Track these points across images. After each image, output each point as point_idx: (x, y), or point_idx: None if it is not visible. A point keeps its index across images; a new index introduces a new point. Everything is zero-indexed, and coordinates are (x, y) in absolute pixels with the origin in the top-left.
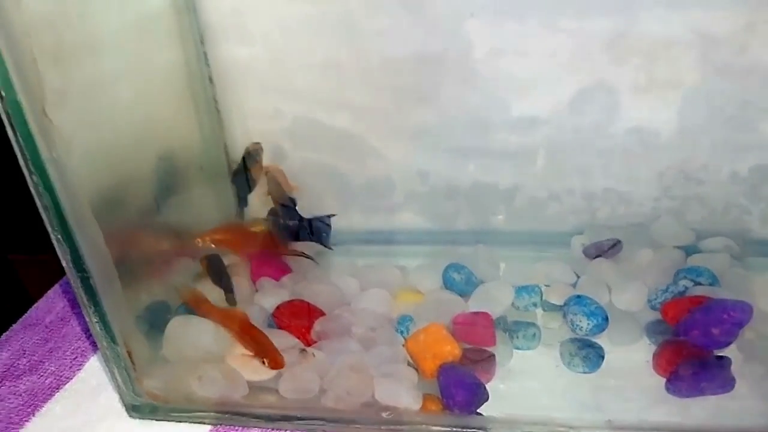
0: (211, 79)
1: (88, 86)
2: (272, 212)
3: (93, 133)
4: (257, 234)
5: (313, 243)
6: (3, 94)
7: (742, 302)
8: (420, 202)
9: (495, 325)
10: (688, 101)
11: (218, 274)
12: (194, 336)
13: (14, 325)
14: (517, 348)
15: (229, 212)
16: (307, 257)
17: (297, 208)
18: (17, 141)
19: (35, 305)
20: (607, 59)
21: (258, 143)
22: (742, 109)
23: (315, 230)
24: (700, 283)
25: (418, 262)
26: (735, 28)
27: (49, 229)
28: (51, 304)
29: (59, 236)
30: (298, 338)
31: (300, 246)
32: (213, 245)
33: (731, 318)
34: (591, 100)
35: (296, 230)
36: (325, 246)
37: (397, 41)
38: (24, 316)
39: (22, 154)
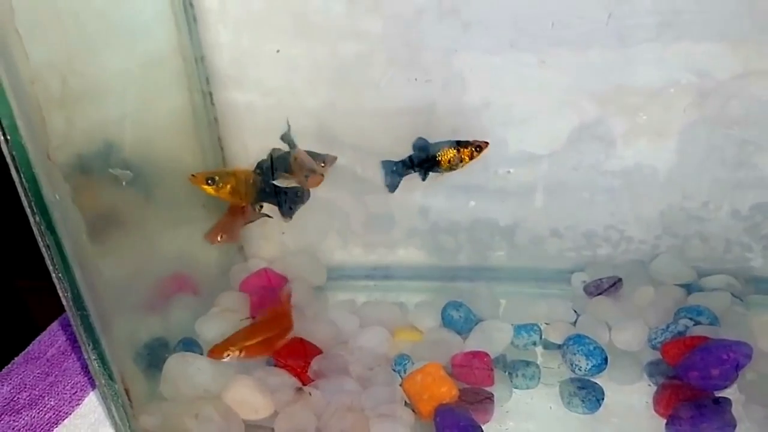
0: (216, 119)
1: (92, 130)
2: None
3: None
4: None
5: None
6: (8, 137)
7: (741, 343)
8: (421, 238)
9: (494, 364)
10: (687, 139)
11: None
12: (191, 374)
13: (16, 359)
14: (517, 387)
15: (227, 248)
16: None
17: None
18: (21, 183)
19: (38, 338)
20: (605, 96)
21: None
22: (742, 148)
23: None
24: (700, 323)
25: (418, 298)
26: (733, 66)
27: (50, 268)
28: (53, 337)
29: (60, 275)
30: (295, 377)
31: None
32: None
33: (731, 359)
34: (589, 137)
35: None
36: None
37: (392, 82)
38: (26, 350)
39: (26, 195)
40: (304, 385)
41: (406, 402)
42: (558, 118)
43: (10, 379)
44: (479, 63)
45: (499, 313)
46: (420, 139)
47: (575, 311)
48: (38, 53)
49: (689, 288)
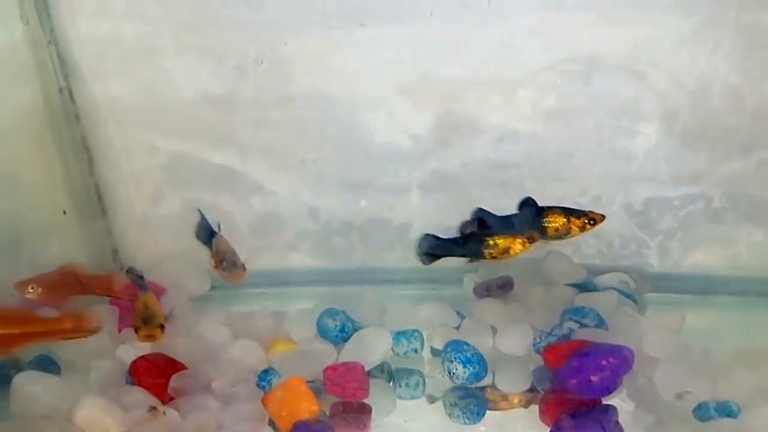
0: (77, 117)
1: None
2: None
3: None
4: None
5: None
6: None
7: (622, 348)
8: (311, 240)
9: (374, 374)
10: (574, 130)
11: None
12: (39, 393)
13: None
14: (401, 398)
15: (100, 256)
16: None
17: None
18: None
19: None
20: (491, 87)
21: None
22: (631, 139)
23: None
24: (585, 325)
25: (308, 306)
26: (619, 49)
27: None
28: None
29: None
30: (154, 395)
31: None
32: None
33: (610, 365)
34: (476, 131)
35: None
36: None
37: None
38: None
39: None
40: (164, 403)
41: (270, 419)
42: (444, 107)
43: None
44: (320, 44)
45: (383, 319)
46: (528, 198)
47: (459, 314)
48: None
49: (584, 286)
